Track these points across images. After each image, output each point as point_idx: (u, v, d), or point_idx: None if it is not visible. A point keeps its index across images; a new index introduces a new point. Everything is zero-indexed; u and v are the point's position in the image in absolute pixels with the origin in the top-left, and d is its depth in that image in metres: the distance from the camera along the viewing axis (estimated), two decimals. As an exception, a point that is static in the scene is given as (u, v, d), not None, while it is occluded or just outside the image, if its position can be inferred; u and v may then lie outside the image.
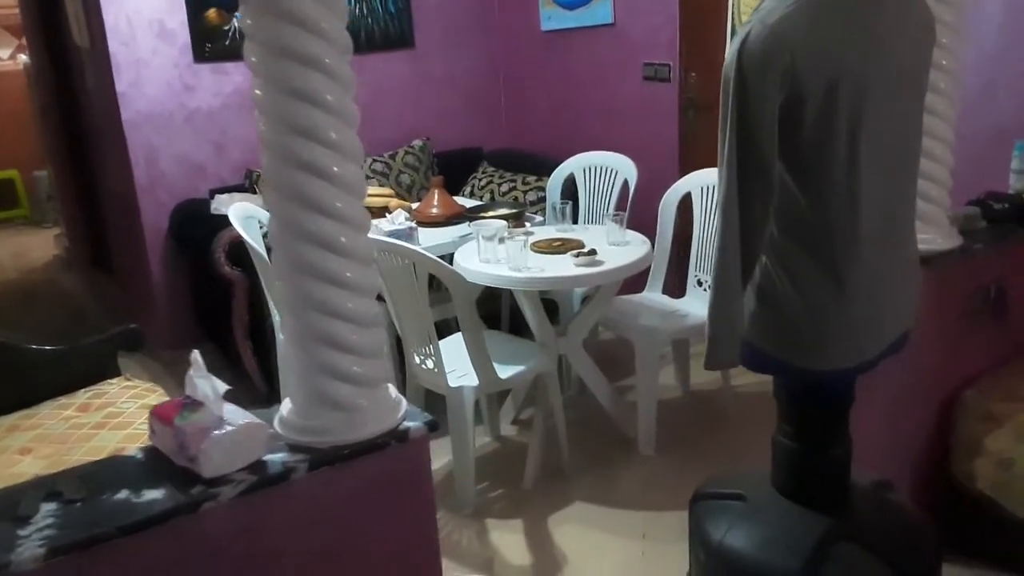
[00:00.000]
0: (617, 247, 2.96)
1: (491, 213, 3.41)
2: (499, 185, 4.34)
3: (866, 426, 1.94)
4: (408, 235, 3.08)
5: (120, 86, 3.89)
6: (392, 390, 1.59)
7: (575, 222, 3.79)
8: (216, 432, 1.40)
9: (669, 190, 3.38)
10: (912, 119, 1.73)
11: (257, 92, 1.44)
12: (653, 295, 3.39)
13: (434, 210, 3.42)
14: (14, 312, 5.20)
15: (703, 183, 3.27)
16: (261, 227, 3.38)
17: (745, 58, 1.56)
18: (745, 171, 1.63)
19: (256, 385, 3.54)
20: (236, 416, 1.45)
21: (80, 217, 5.64)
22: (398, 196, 4.18)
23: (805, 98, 1.56)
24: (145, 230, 4.06)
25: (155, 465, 1.45)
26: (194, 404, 1.43)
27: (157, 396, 2.65)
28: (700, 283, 3.29)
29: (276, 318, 3.16)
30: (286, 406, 1.56)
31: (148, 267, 4.13)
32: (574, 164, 3.88)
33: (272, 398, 3.39)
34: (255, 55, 1.42)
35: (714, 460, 2.97)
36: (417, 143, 4.48)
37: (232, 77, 4.14)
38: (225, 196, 3.77)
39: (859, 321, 1.71)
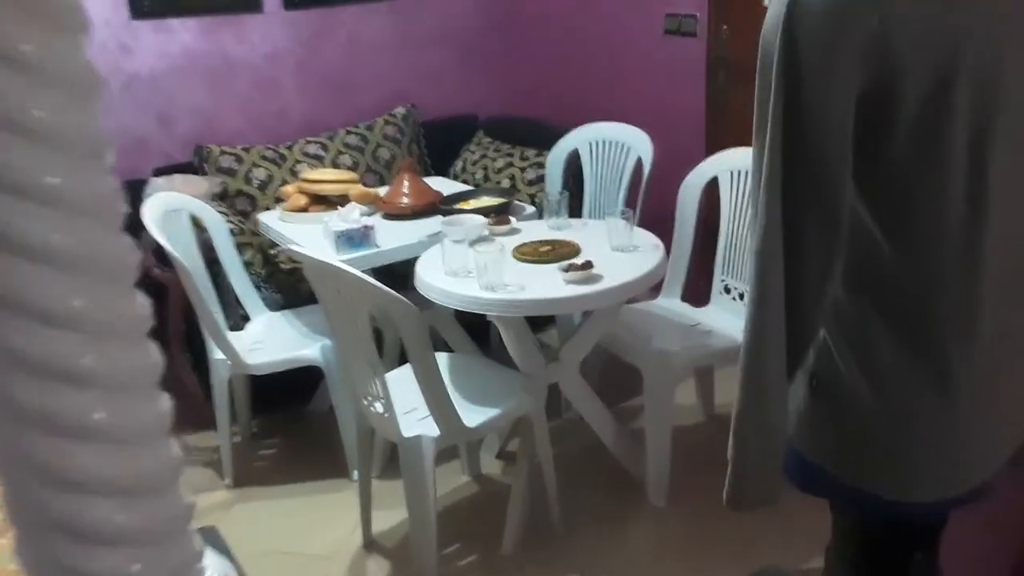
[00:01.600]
0: (622, 253, 2.33)
1: (471, 204, 2.79)
2: (493, 160, 3.70)
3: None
4: (362, 237, 2.48)
5: (40, 48, 3.29)
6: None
7: (578, 213, 3.16)
8: None
9: (692, 172, 2.73)
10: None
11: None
12: (669, 303, 2.76)
13: (403, 200, 2.80)
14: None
15: (734, 166, 2.62)
16: (199, 225, 2.80)
17: (801, 19, 0.94)
18: (797, 196, 1.01)
19: (196, 402, 3.00)
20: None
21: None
22: (371, 176, 3.57)
23: (900, 90, 0.94)
24: (79, 217, 3.50)
25: None
26: None
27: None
28: (728, 290, 2.66)
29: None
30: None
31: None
32: (578, 138, 3.23)
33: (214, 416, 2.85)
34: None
35: (745, 516, 2.37)
36: (400, 111, 3.84)
37: (178, 35, 3.52)
38: (162, 180, 3.17)
39: (970, 432, 1.09)
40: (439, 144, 3.95)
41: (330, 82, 3.86)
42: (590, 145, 3.18)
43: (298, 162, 3.52)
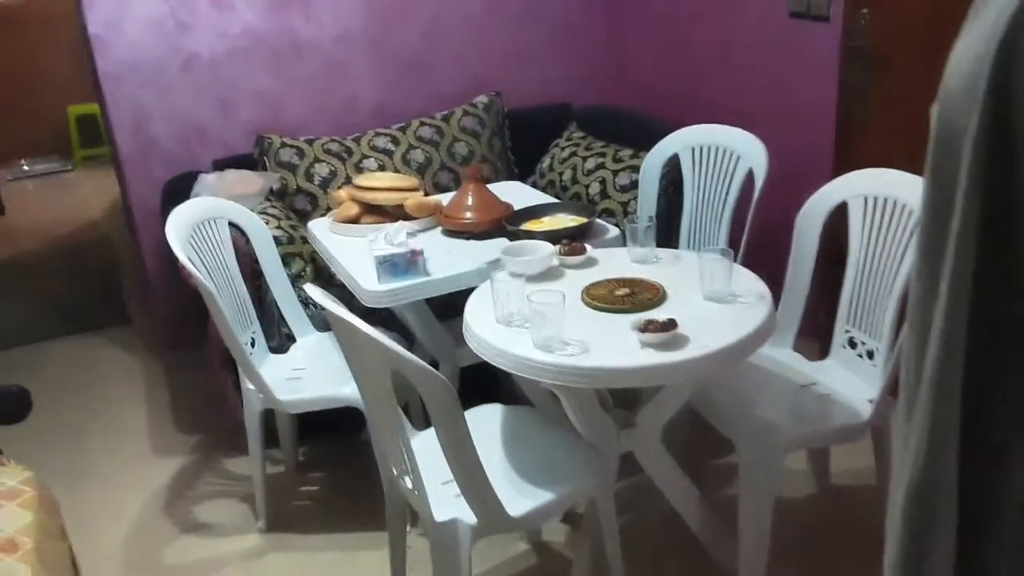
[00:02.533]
0: (717, 305, 1.86)
1: (543, 224, 2.36)
2: (584, 160, 3.25)
3: None
4: (408, 264, 2.10)
5: (93, 26, 3.04)
6: None
7: (675, 233, 2.70)
8: None
9: (816, 196, 2.22)
10: None
11: None
12: (778, 353, 2.27)
13: (466, 215, 2.41)
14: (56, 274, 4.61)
15: (871, 190, 2.10)
16: (242, 232, 2.50)
17: None
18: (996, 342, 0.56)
19: (238, 424, 2.72)
20: None
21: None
22: (445, 174, 3.19)
23: None
24: (135, 211, 3.27)
25: None
26: None
27: (20, 504, 1.84)
28: (853, 344, 2.15)
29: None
30: None
31: (141, 254, 3.36)
32: (679, 141, 2.74)
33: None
34: None
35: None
36: (482, 99, 3.44)
37: (241, 14, 3.21)
38: (212, 176, 2.88)
39: None
40: (525, 138, 3.52)
41: (405, 66, 3.48)
42: (692, 151, 2.69)
43: (365, 157, 3.17)
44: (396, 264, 2.09)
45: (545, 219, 2.39)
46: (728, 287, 1.85)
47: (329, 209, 2.97)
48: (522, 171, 3.51)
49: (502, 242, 2.28)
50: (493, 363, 1.77)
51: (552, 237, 2.22)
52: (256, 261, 2.55)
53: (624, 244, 2.37)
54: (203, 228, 2.36)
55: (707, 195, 2.66)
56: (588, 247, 2.13)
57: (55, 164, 6.67)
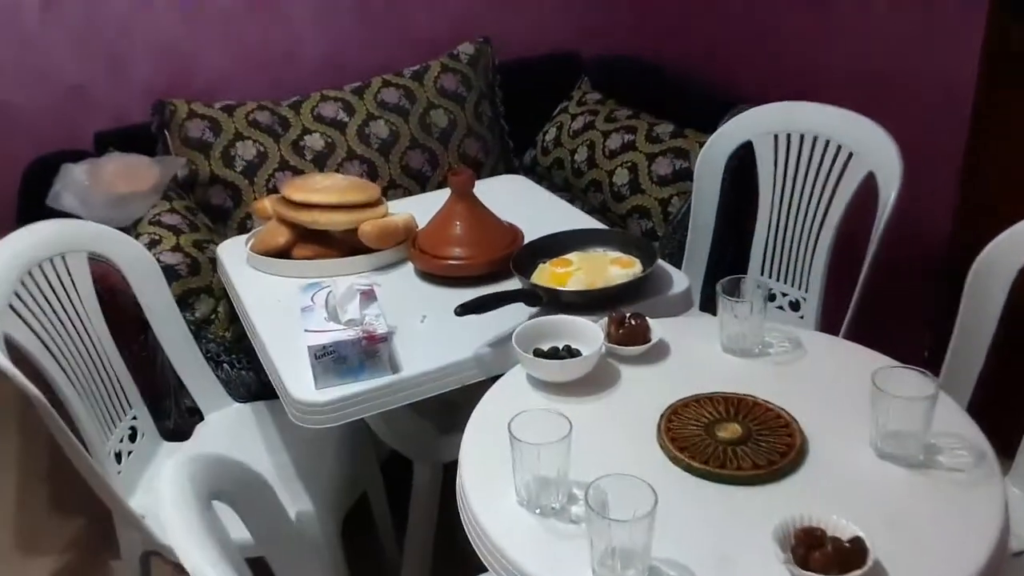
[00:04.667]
0: (902, 472, 1.06)
1: (572, 269, 1.53)
2: (605, 136, 2.41)
3: None
4: (360, 354, 1.28)
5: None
6: None
7: (739, 268, 1.94)
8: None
9: (1002, 238, 1.42)
10: None
11: None
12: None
13: (454, 252, 1.56)
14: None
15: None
16: (99, 261, 1.65)
17: None
18: None
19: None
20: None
21: None
22: (418, 156, 2.35)
23: None
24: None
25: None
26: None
27: None
28: None
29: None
30: None
31: None
32: (751, 124, 1.91)
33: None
34: None
35: None
36: (466, 49, 2.55)
37: (128, -73, 2.29)
38: (80, 169, 2.00)
39: None
40: (522, 99, 2.67)
41: (363, 5, 2.58)
42: (776, 141, 1.86)
43: (307, 131, 2.30)
44: (344, 357, 1.27)
45: (573, 257, 1.56)
46: (925, 436, 1.06)
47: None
48: (517, 144, 2.66)
49: (513, 287, 1.45)
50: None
51: (593, 299, 1.41)
52: (139, 307, 1.71)
53: (700, 300, 1.58)
54: (42, 272, 1.51)
55: (796, 206, 1.85)
56: (652, 324, 1.31)
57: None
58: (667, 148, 2.27)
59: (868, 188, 1.72)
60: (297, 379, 1.32)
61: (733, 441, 1.11)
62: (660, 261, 1.53)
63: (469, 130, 2.47)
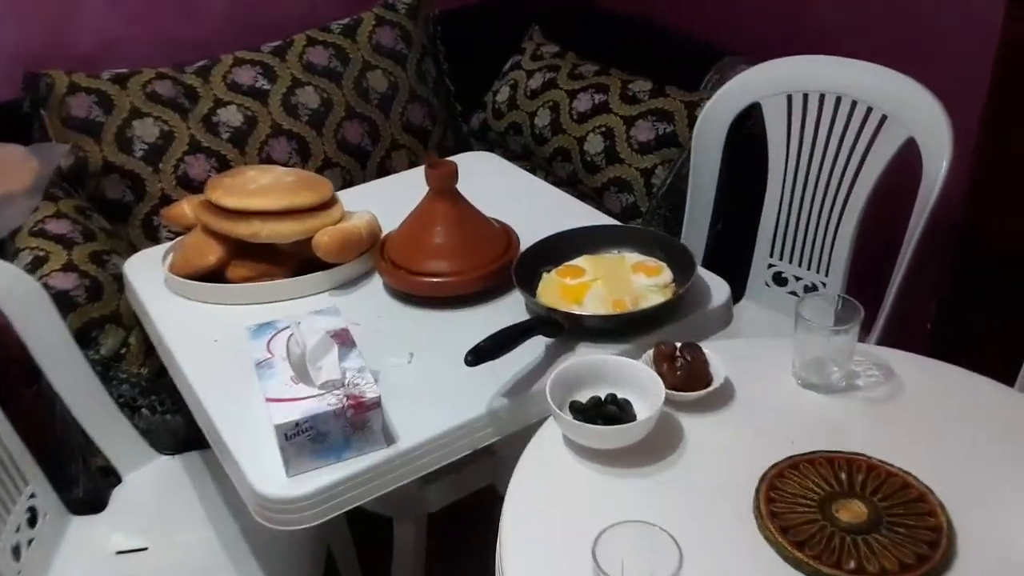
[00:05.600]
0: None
1: (583, 278, 1.22)
2: (571, 97, 2.09)
3: None
4: (348, 429, 0.96)
5: None
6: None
7: (740, 257, 1.68)
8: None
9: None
10: None
11: None
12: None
13: (438, 267, 1.24)
14: None
15: None
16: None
17: None
18: None
19: None
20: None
21: None
22: (355, 128, 2.00)
23: None
24: None
25: None
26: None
27: None
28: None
29: None
30: None
31: None
32: (759, 83, 1.62)
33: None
34: None
35: None
36: (401, -3, 2.18)
37: None
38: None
39: None
40: (463, 54, 2.32)
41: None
42: (789, 101, 1.59)
43: (221, 103, 1.91)
44: (323, 434, 0.94)
45: (584, 264, 1.26)
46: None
47: (167, 203, 1.75)
48: (466, 113, 2.33)
49: (513, 312, 1.14)
50: None
51: (623, 324, 1.12)
52: (25, 349, 1.33)
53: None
54: None
55: (815, 178, 1.59)
56: (712, 361, 1.03)
57: None
58: (647, 110, 1.97)
59: (903, 158, 1.47)
60: (255, 460, 0.98)
61: (860, 528, 0.85)
62: (702, 270, 1.24)
63: (412, 94, 2.12)
